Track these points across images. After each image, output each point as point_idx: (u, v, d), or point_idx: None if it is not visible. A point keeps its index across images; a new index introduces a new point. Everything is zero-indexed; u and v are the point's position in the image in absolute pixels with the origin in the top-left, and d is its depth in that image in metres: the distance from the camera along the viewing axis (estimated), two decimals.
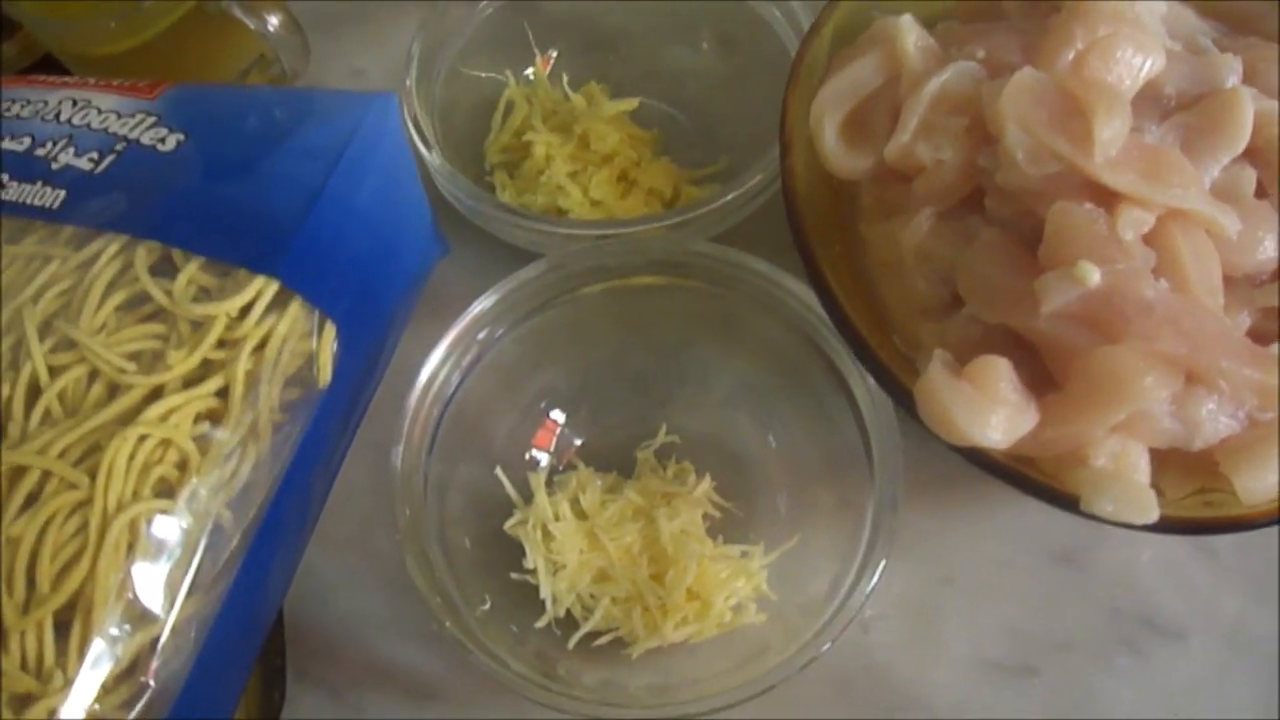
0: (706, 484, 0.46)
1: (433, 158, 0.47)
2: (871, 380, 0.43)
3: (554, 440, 0.47)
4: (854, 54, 0.45)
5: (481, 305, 0.45)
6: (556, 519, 0.44)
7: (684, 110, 0.53)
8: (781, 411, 0.47)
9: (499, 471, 0.46)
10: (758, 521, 0.46)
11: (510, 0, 0.53)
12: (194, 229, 0.41)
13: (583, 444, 0.47)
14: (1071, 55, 0.42)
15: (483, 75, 0.52)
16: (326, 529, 0.44)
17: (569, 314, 0.46)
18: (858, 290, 0.43)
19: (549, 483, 0.46)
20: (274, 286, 0.40)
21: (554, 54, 0.54)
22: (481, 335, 0.45)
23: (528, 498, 0.45)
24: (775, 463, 0.47)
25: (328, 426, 0.43)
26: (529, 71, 0.54)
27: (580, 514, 0.45)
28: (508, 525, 0.45)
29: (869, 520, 0.42)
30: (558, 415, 0.47)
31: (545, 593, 0.44)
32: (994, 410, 0.38)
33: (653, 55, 0.54)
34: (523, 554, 0.45)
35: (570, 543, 0.44)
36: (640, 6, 0.54)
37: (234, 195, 0.42)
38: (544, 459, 0.47)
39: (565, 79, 0.53)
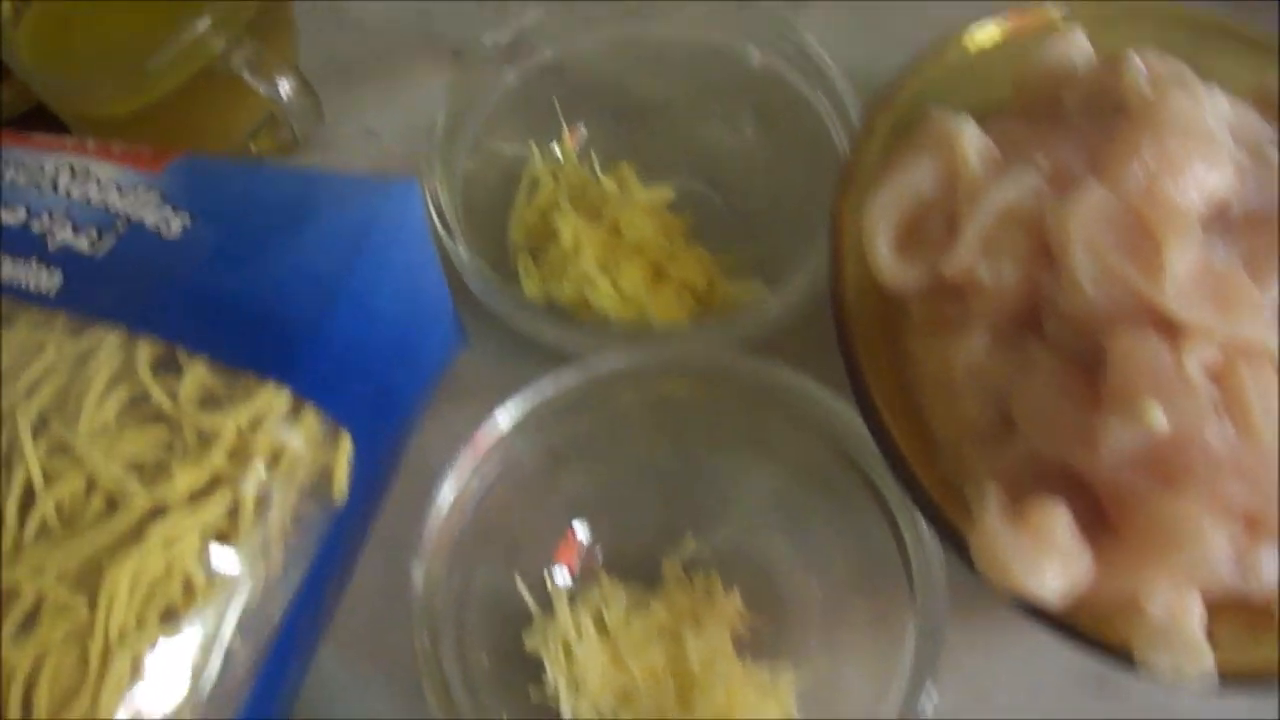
0: (735, 599, 0.44)
1: (457, 248, 0.45)
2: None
3: (577, 549, 0.45)
4: (908, 156, 0.42)
5: (506, 414, 0.42)
6: (579, 636, 0.42)
7: (719, 190, 0.51)
8: (814, 524, 0.45)
9: (519, 582, 0.43)
10: (788, 638, 0.44)
11: (537, 67, 0.50)
12: (199, 326, 0.39)
13: (607, 552, 0.45)
14: (1140, 171, 0.40)
15: (507, 149, 0.50)
16: (335, 628, 0.43)
17: (596, 420, 0.43)
18: (903, 408, 0.41)
19: (571, 594, 0.44)
20: (286, 395, 0.38)
21: (583, 128, 0.51)
22: (505, 443, 0.43)
23: (547, 608, 0.43)
24: (807, 576, 0.44)
25: (343, 540, 0.41)
26: (555, 145, 0.51)
27: (604, 630, 0.43)
28: (528, 642, 0.43)
29: (909, 644, 0.40)
30: (581, 524, 0.45)
31: (566, 714, 0.42)
32: (1053, 563, 0.36)
33: (687, 130, 0.51)
34: (542, 669, 0.42)
35: (593, 661, 0.42)
36: (674, 78, 0.51)
37: (242, 291, 0.39)
38: (566, 568, 0.45)
39: (595, 158, 0.50)
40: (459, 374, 0.47)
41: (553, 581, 0.44)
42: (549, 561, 0.45)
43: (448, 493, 0.42)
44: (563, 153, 0.50)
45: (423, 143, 0.48)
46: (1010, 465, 0.39)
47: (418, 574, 0.40)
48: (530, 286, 0.47)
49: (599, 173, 0.49)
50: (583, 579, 0.45)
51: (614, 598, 0.43)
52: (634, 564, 0.45)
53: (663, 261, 0.47)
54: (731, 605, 0.44)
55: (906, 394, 0.42)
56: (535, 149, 0.50)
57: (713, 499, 0.45)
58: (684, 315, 0.46)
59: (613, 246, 0.47)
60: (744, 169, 0.51)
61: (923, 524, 0.41)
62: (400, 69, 0.55)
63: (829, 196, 0.46)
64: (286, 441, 0.38)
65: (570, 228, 0.46)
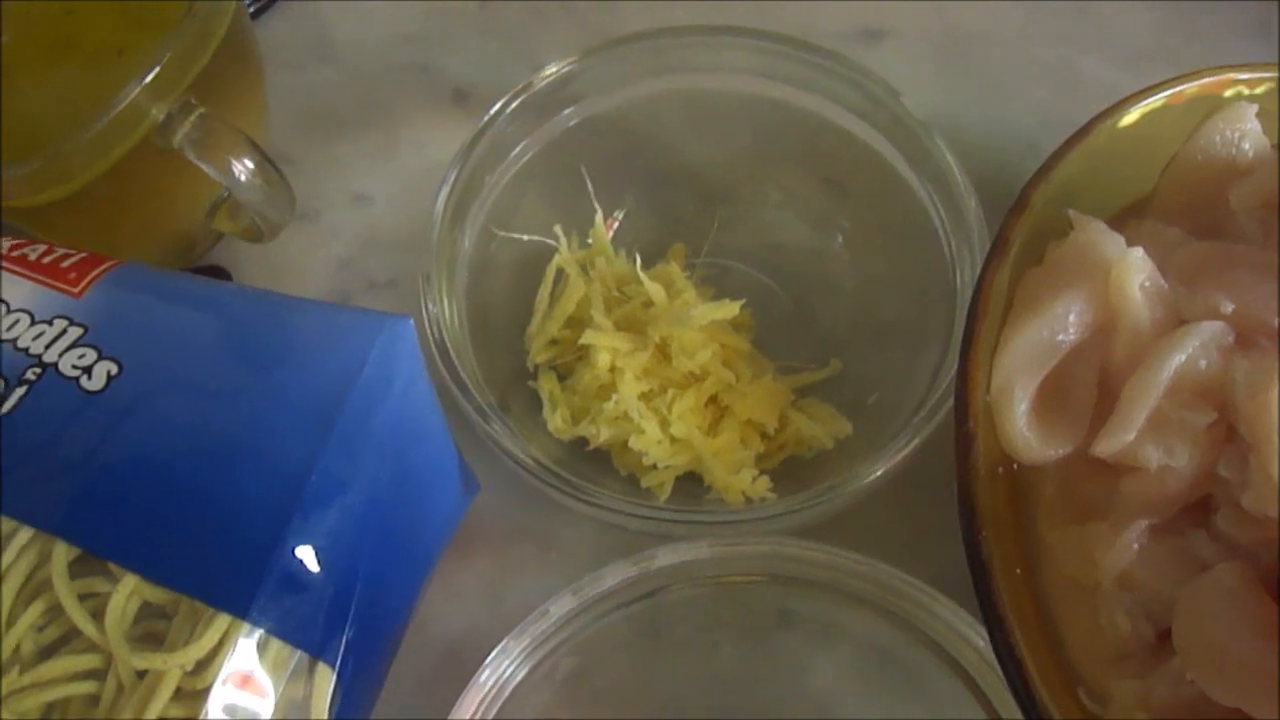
0: None
1: (466, 404, 0.35)
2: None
3: None
4: (1050, 289, 0.33)
5: (537, 624, 0.34)
6: None
7: (787, 287, 0.41)
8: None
9: None
10: None
11: (561, 129, 0.41)
12: (124, 532, 0.31)
13: None
14: None
15: (526, 239, 0.40)
16: None
17: (644, 614, 0.35)
18: (1033, 617, 0.33)
19: None
20: (243, 629, 0.29)
21: (619, 215, 0.42)
22: (532, 650, 0.34)
23: None
24: None
25: None
26: (587, 234, 0.41)
27: None
28: None
29: None
30: None
31: None
32: None
33: (747, 208, 0.42)
34: None
35: None
36: (732, 143, 0.42)
37: (182, 479, 0.31)
38: None
39: (629, 251, 0.40)
40: (468, 520, 0.39)
41: None
42: None
43: (466, 698, 0.34)
44: (595, 240, 0.41)
45: (422, 213, 0.39)
46: (1166, 700, 0.32)
47: None
48: (557, 421, 0.38)
49: (640, 268, 0.39)
50: None
51: None
52: None
53: (723, 394, 0.37)
54: None
55: (1036, 596, 0.33)
56: (562, 235, 0.40)
57: (782, 695, 0.37)
58: (748, 466, 0.37)
59: (660, 374, 0.37)
60: (821, 263, 0.42)
61: None
62: (394, 114, 0.46)
63: (930, 306, 0.37)
64: (247, 681, 0.30)
65: (608, 349, 0.37)
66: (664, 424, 0.37)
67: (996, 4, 0.49)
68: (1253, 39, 0.49)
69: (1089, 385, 0.33)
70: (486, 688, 0.34)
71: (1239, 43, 0.48)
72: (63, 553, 0.30)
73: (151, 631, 0.30)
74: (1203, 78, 0.37)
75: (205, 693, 0.29)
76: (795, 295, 0.41)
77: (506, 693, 0.34)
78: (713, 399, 0.38)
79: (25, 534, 0.31)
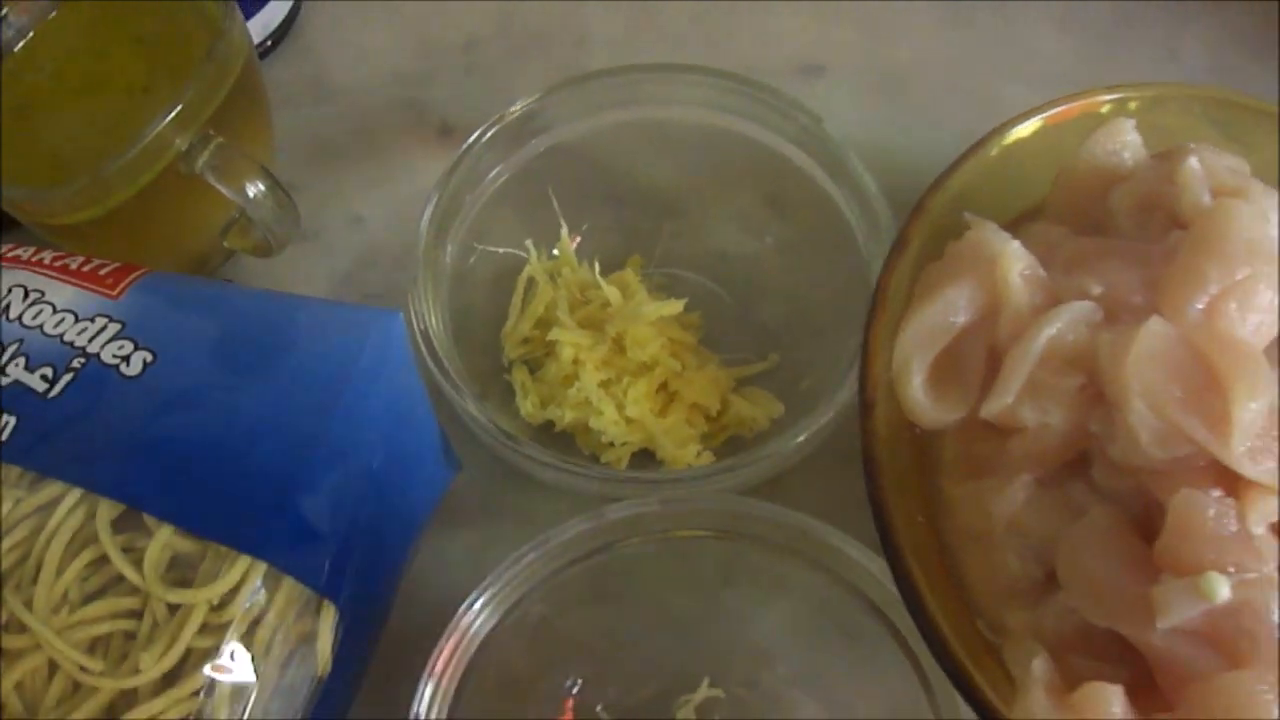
0: None
1: (449, 388, 0.41)
2: None
3: (581, 693, 0.41)
4: (945, 278, 0.38)
5: (506, 566, 0.39)
6: None
7: (733, 292, 0.47)
8: (836, 672, 0.41)
9: None
10: None
11: (532, 155, 0.46)
12: (163, 489, 0.35)
13: (616, 700, 0.41)
14: (1204, 302, 0.36)
15: (500, 251, 0.46)
16: None
17: (605, 565, 0.40)
18: (937, 559, 0.38)
19: None
20: (261, 568, 0.34)
21: (585, 227, 0.47)
22: (505, 594, 0.39)
23: None
24: None
25: (331, 703, 0.38)
26: (554, 247, 0.47)
27: None
28: None
29: None
30: (588, 669, 0.41)
31: None
32: None
33: (697, 224, 0.48)
34: None
35: None
36: (683, 166, 0.47)
37: (209, 447, 0.36)
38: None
39: (597, 263, 0.46)
40: (451, 496, 0.44)
41: None
42: (557, 711, 0.41)
43: (446, 644, 0.38)
44: (561, 252, 0.46)
45: (412, 232, 0.44)
46: (1053, 628, 0.36)
47: None
48: (528, 407, 0.44)
49: (600, 276, 0.45)
50: None
51: None
52: (645, 712, 0.41)
53: (672, 381, 0.43)
54: None
55: (941, 542, 0.38)
56: (532, 248, 0.46)
57: (728, 643, 0.42)
58: (694, 441, 0.42)
59: (617, 365, 0.43)
60: (760, 269, 0.47)
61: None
62: (387, 147, 0.51)
63: (852, 303, 0.42)
64: (264, 615, 0.35)
65: (571, 344, 0.42)
66: (620, 407, 0.42)
67: (927, 40, 0.54)
68: (1160, 64, 0.53)
69: (979, 360, 0.38)
70: (462, 632, 0.38)
71: (1146, 68, 0.53)
72: (106, 510, 0.35)
73: (182, 579, 0.34)
74: (1082, 99, 0.43)
75: (227, 626, 0.34)
76: (738, 298, 0.47)
77: (481, 637, 0.39)
78: (663, 385, 0.43)
79: (74, 496, 0.35)
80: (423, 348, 0.42)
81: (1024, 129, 0.42)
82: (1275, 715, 0.33)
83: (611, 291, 0.44)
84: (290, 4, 0.54)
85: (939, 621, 0.36)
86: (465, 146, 0.45)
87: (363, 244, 0.50)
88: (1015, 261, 0.38)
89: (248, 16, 0.51)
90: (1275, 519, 0.34)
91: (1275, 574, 0.34)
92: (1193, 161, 0.39)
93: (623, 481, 0.40)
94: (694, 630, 0.42)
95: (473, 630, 0.39)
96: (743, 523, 0.39)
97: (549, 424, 0.44)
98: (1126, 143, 0.42)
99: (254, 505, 0.35)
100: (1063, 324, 0.36)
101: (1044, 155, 0.43)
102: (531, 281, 0.45)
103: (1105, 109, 0.43)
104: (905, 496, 0.38)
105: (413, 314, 0.42)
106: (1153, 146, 0.42)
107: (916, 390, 0.37)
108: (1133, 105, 0.43)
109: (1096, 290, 0.37)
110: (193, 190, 0.43)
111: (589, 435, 0.43)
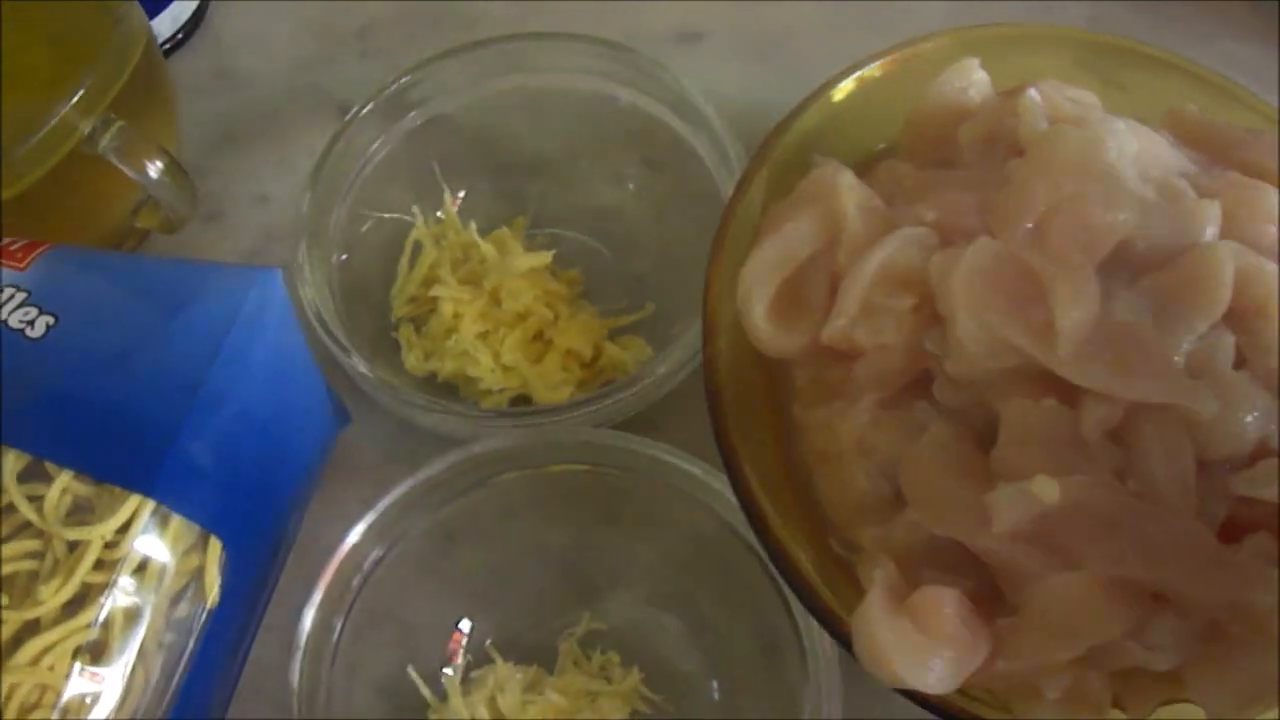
0: (634, 677, 0.42)
1: (329, 340, 0.43)
2: None
3: (471, 632, 0.43)
4: (787, 213, 0.40)
5: (391, 498, 0.41)
6: None
7: (609, 245, 0.49)
8: (709, 599, 0.43)
9: (411, 670, 0.42)
10: (688, 715, 0.42)
11: (415, 125, 0.48)
12: (63, 438, 0.38)
13: (502, 633, 0.43)
14: (1033, 220, 0.37)
15: (386, 216, 0.48)
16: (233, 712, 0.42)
17: (483, 501, 0.42)
18: (791, 484, 0.39)
19: (465, 679, 0.42)
20: (150, 506, 0.37)
21: (462, 193, 0.49)
22: (392, 526, 0.41)
23: (443, 696, 0.42)
24: (705, 652, 0.43)
25: (223, 636, 0.40)
26: (439, 211, 0.49)
27: (498, 715, 0.41)
28: None
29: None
30: (474, 605, 0.44)
31: None
32: (938, 654, 0.34)
33: (574, 184, 0.50)
34: None
35: None
36: (559, 130, 0.49)
37: (106, 397, 0.38)
38: (461, 653, 0.43)
39: (475, 223, 0.48)
40: (348, 451, 0.46)
41: (445, 667, 0.43)
42: (441, 645, 0.43)
43: (330, 581, 0.41)
44: (445, 215, 0.48)
45: None
46: (902, 541, 0.37)
47: (297, 666, 0.39)
48: (412, 360, 0.46)
49: (479, 236, 0.47)
50: (476, 663, 0.43)
51: (509, 681, 0.42)
52: (530, 645, 0.43)
53: (547, 329, 0.45)
54: (630, 684, 0.42)
55: (794, 469, 0.40)
56: (418, 213, 0.48)
57: (607, 575, 0.44)
58: (568, 385, 0.44)
59: (494, 316, 0.45)
60: (633, 223, 0.49)
61: None
62: (290, 129, 0.54)
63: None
64: (153, 550, 0.37)
65: (451, 299, 0.45)
66: (496, 356, 0.44)
67: (804, 3, 0.55)
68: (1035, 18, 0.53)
69: (822, 290, 0.39)
70: (343, 559, 0.40)
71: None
72: (12, 460, 0.37)
73: (80, 521, 0.37)
74: (918, 44, 0.45)
75: (120, 561, 0.36)
76: (617, 253, 0.49)
77: (364, 570, 0.41)
78: (538, 335, 0.45)
79: None
80: (307, 310, 0.44)
81: (871, 70, 0.44)
82: (1108, 617, 0.34)
83: (487, 248, 0.46)
84: None
85: (781, 536, 0.37)
86: (346, 119, 0.47)
87: (268, 221, 0.52)
88: (851, 193, 0.39)
89: (157, 11, 0.54)
90: (1109, 424, 0.35)
91: (1106, 474, 0.35)
92: (1032, 92, 0.41)
93: (496, 417, 0.42)
94: (575, 565, 0.44)
95: (355, 560, 0.41)
96: (612, 455, 0.41)
97: (432, 375, 0.46)
98: (974, 80, 0.43)
99: (142, 447, 0.37)
100: (894, 248, 0.38)
101: (902, 98, 0.44)
102: (418, 244, 0.48)
103: (939, 55, 0.44)
104: (756, 425, 0.39)
105: (300, 277, 0.44)
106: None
107: (760, 318, 0.39)
108: (992, 43, 0.44)
109: (931, 216, 0.39)
110: (101, 172, 0.46)
111: (470, 384, 0.45)
